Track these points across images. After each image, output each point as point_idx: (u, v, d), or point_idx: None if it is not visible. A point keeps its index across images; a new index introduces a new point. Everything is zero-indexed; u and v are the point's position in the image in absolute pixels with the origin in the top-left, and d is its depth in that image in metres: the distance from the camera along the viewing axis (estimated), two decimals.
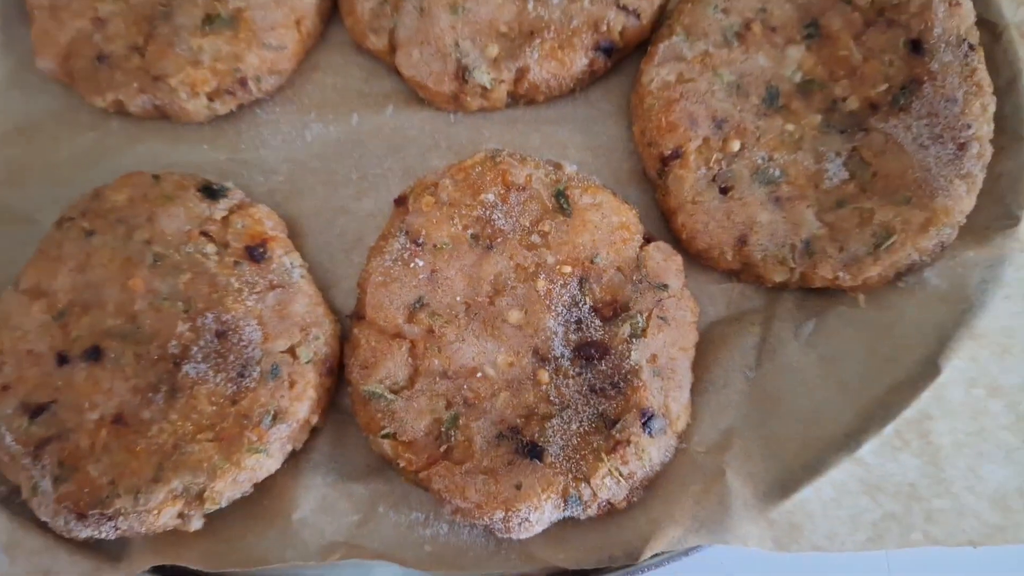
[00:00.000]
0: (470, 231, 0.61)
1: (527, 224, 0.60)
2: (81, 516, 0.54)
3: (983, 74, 0.60)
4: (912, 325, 0.59)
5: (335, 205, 0.66)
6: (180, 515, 0.55)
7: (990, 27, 0.63)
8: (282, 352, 0.59)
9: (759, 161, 0.61)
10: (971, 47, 0.61)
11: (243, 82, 0.65)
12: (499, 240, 0.60)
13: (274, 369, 0.58)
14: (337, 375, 0.61)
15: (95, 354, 0.58)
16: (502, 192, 0.61)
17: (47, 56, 0.67)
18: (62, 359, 0.58)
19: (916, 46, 0.61)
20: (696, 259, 0.62)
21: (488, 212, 0.61)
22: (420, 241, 0.61)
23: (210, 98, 0.65)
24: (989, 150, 0.59)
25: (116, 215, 0.61)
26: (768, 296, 0.63)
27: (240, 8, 0.65)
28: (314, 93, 0.68)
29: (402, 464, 0.57)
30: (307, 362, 0.59)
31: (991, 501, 0.56)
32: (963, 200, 0.59)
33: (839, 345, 0.60)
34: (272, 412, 0.57)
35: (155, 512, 0.54)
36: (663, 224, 0.65)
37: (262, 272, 0.61)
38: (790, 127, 0.62)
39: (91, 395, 0.57)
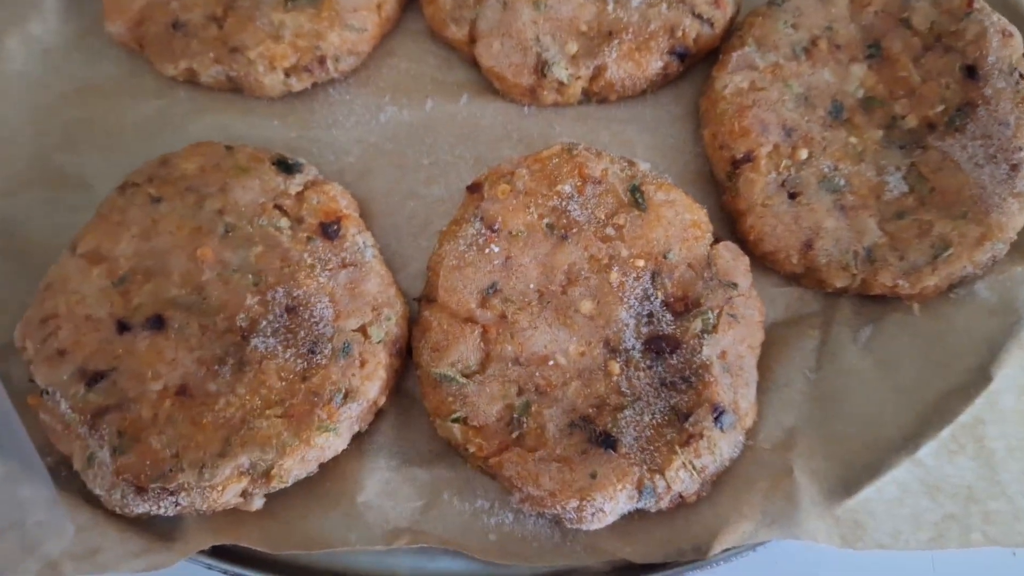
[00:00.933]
0: (546, 220, 0.61)
1: (602, 217, 0.61)
2: (140, 490, 0.52)
3: None
4: (964, 334, 0.61)
5: (405, 188, 0.66)
6: (243, 493, 0.53)
7: None
8: (353, 331, 0.58)
9: (825, 170, 0.63)
10: (1022, 76, 0.64)
11: (322, 60, 0.65)
12: (574, 231, 0.60)
13: (346, 347, 0.57)
14: (405, 357, 0.60)
15: (158, 323, 0.56)
16: (579, 184, 0.61)
17: (118, 20, 0.66)
18: (123, 326, 0.56)
19: (971, 72, 0.64)
20: (761, 261, 0.64)
21: (564, 203, 0.61)
22: (496, 227, 0.61)
23: (287, 74, 0.65)
24: None
25: (186, 183, 0.60)
26: (826, 301, 0.64)
27: None
28: (389, 77, 0.68)
29: (472, 449, 0.56)
30: (378, 342, 0.58)
31: None
32: (1016, 217, 0.61)
33: (895, 351, 0.61)
34: (343, 390, 0.56)
35: (219, 488, 0.52)
36: (726, 227, 0.66)
37: (335, 249, 0.60)
38: (853, 140, 0.64)
39: (154, 364, 0.55)
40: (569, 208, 0.61)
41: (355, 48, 0.66)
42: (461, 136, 0.67)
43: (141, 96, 0.67)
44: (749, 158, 0.63)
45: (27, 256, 0.63)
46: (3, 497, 0.49)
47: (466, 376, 0.57)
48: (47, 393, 0.54)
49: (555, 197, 0.61)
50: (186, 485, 0.52)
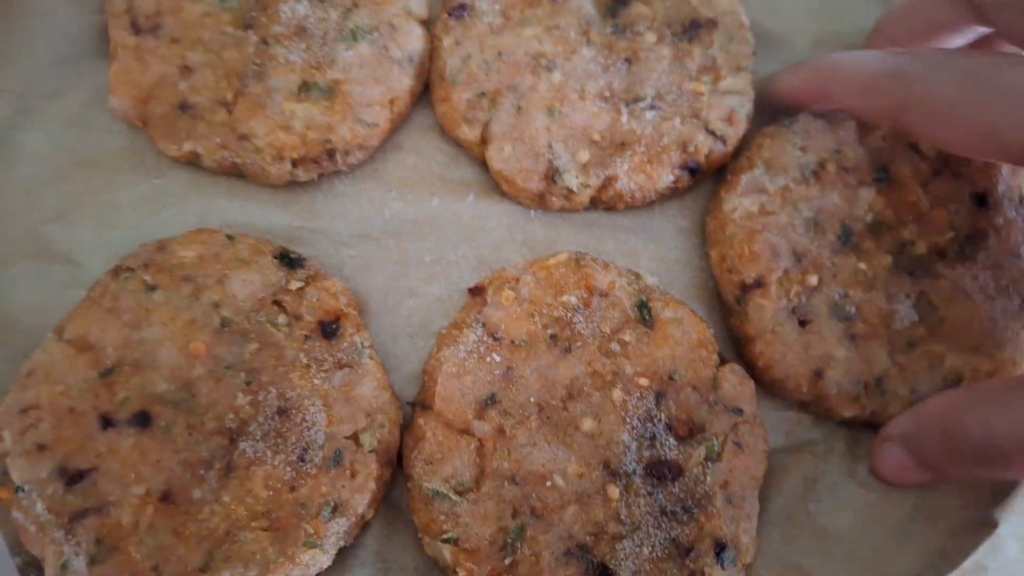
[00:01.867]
0: (549, 331, 0.60)
1: (607, 331, 0.60)
2: None
3: None
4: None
5: (404, 286, 0.65)
6: None
7: None
8: (346, 438, 0.56)
9: (836, 297, 0.63)
10: None
11: (331, 153, 0.64)
12: (578, 344, 0.60)
13: (337, 456, 0.55)
14: (395, 466, 0.59)
15: (143, 420, 0.54)
16: (585, 296, 0.61)
17: (124, 96, 0.64)
18: (107, 422, 0.54)
19: (981, 200, 0.65)
20: (768, 388, 0.63)
21: (569, 314, 0.60)
22: (498, 336, 0.60)
23: (294, 164, 0.64)
24: None
25: (183, 272, 0.58)
26: (826, 429, 0.64)
27: (339, 80, 0.64)
28: (395, 172, 0.68)
29: (461, 574, 0.54)
30: (370, 451, 0.56)
31: None
32: None
33: (895, 489, 0.61)
34: (332, 504, 0.53)
35: None
36: (731, 347, 0.66)
37: (332, 350, 0.58)
38: (863, 266, 0.64)
39: (137, 466, 0.53)
40: (574, 320, 0.60)
41: (365, 142, 0.65)
42: (465, 236, 0.66)
43: (140, 174, 0.66)
44: (760, 284, 0.63)
45: (9, 333, 0.60)
46: None
47: (459, 493, 0.56)
48: (22, 490, 0.51)
49: (560, 308, 0.61)
50: None
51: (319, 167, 0.65)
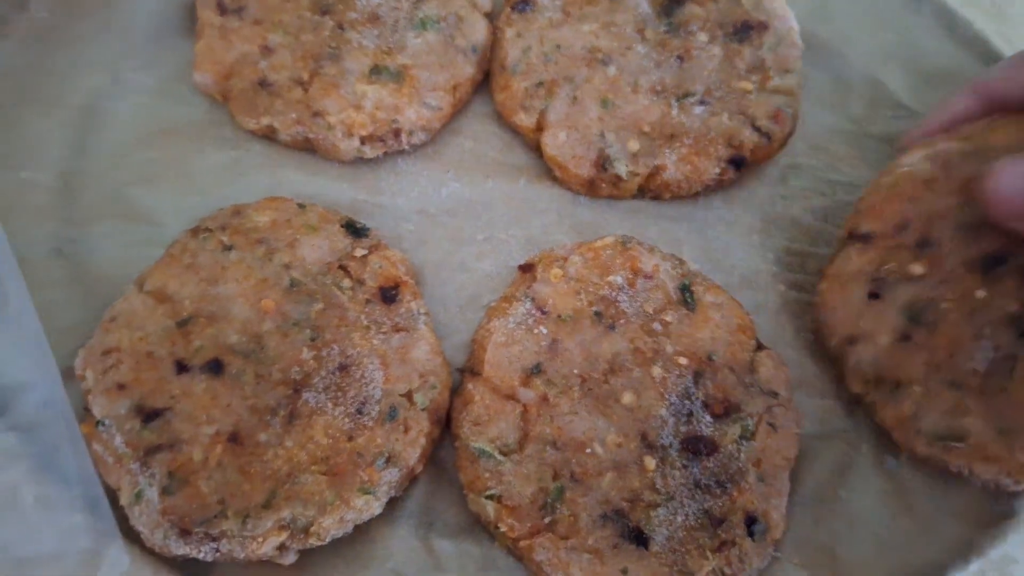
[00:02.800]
0: (594, 308, 0.63)
1: (650, 311, 0.63)
2: (184, 532, 0.53)
3: None
4: None
5: (456, 261, 0.69)
6: (280, 546, 0.54)
7: None
8: (400, 395, 0.59)
9: (923, 298, 0.60)
10: None
11: (397, 133, 0.68)
12: (621, 322, 0.63)
13: (392, 411, 0.58)
14: (443, 426, 0.62)
15: (216, 367, 0.58)
16: (630, 277, 0.64)
17: (207, 71, 0.69)
18: (181, 367, 0.58)
19: None
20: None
21: (614, 293, 0.63)
22: (545, 310, 0.63)
23: (362, 141, 0.68)
24: None
25: (258, 235, 0.63)
26: (856, 419, 0.66)
27: (407, 65, 0.69)
28: (453, 155, 0.72)
29: (503, 528, 0.57)
30: (422, 409, 0.59)
31: None
32: None
33: (921, 482, 0.62)
34: (386, 455, 0.57)
35: (259, 539, 0.53)
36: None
37: (390, 314, 0.62)
38: (982, 294, 0.59)
39: (208, 408, 0.57)
40: (618, 299, 0.63)
41: (428, 125, 0.69)
42: (516, 217, 0.70)
43: (219, 145, 0.70)
44: (867, 238, 0.62)
45: (93, 284, 0.65)
46: (63, 524, 0.50)
47: (503, 454, 0.59)
48: (102, 424, 0.56)
49: (606, 287, 0.64)
50: (228, 533, 0.53)
51: (384, 145, 0.69)
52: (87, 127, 0.70)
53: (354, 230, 0.64)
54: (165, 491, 0.54)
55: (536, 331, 0.62)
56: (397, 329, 0.62)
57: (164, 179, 0.69)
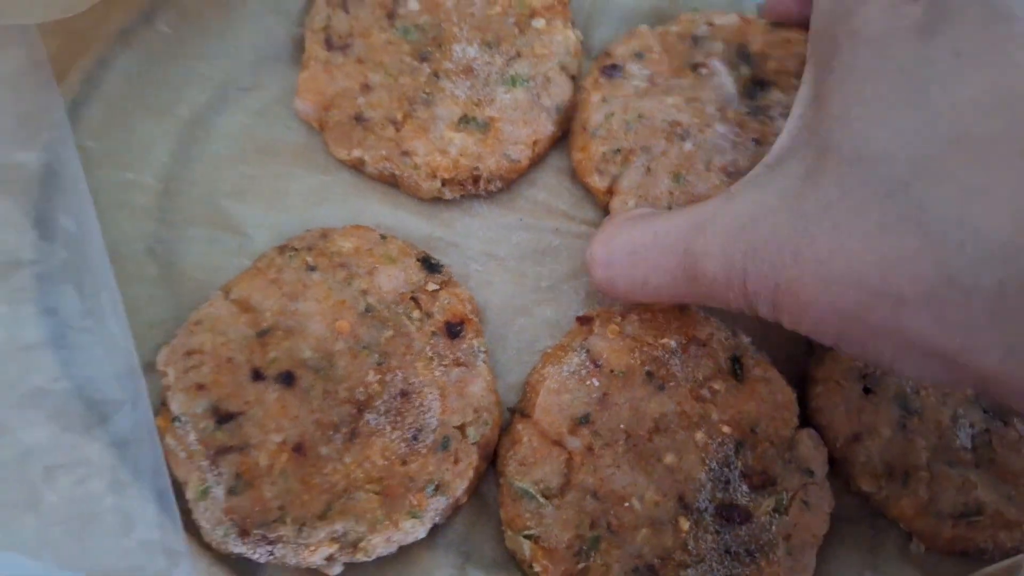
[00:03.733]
0: (646, 368, 0.66)
1: (699, 378, 0.66)
2: (244, 532, 0.56)
3: None
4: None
5: (518, 304, 0.72)
6: (330, 557, 0.57)
7: None
8: (454, 427, 0.63)
9: (908, 389, 0.66)
10: None
11: (476, 179, 0.72)
12: (671, 384, 0.66)
13: (445, 441, 0.62)
14: (489, 462, 0.65)
15: (288, 379, 0.62)
16: (683, 342, 0.67)
17: (308, 100, 0.74)
18: (257, 375, 0.62)
19: None
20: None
21: (667, 356, 0.66)
22: (599, 363, 0.66)
23: (443, 183, 0.72)
24: None
25: (340, 259, 0.67)
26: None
27: (493, 118, 0.73)
28: (526, 204, 0.76)
29: (537, 569, 0.60)
30: (473, 443, 0.63)
31: None
32: None
33: (950, 564, 0.64)
34: (436, 482, 0.60)
35: (312, 548, 0.56)
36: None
37: (453, 348, 0.66)
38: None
39: (278, 417, 0.60)
40: (671, 362, 0.66)
41: (507, 174, 0.73)
42: (579, 270, 0.74)
43: (310, 169, 0.75)
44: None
45: (178, 285, 0.69)
46: (140, 540, 0.53)
47: (545, 497, 0.62)
48: (178, 420, 0.60)
49: (660, 349, 0.67)
50: (284, 538, 0.56)
51: (463, 189, 0.73)
52: (192, 138, 0.75)
53: (429, 265, 0.68)
54: (231, 491, 0.57)
55: (588, 382, 0.65)
56: (457, 363, 0.65)
57: (256, 194, 0.74)
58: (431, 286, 0.67)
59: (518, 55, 0.76)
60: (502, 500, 0.62)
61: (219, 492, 0.57)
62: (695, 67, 0.76)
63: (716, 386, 0.66)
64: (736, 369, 0.66)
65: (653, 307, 0.68)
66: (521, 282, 0.73)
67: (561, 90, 0.76)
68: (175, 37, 0.79)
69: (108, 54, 0.77)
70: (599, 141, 0.74)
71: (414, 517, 0.59)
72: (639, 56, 0.77)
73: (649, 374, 0.66)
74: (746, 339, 0.69)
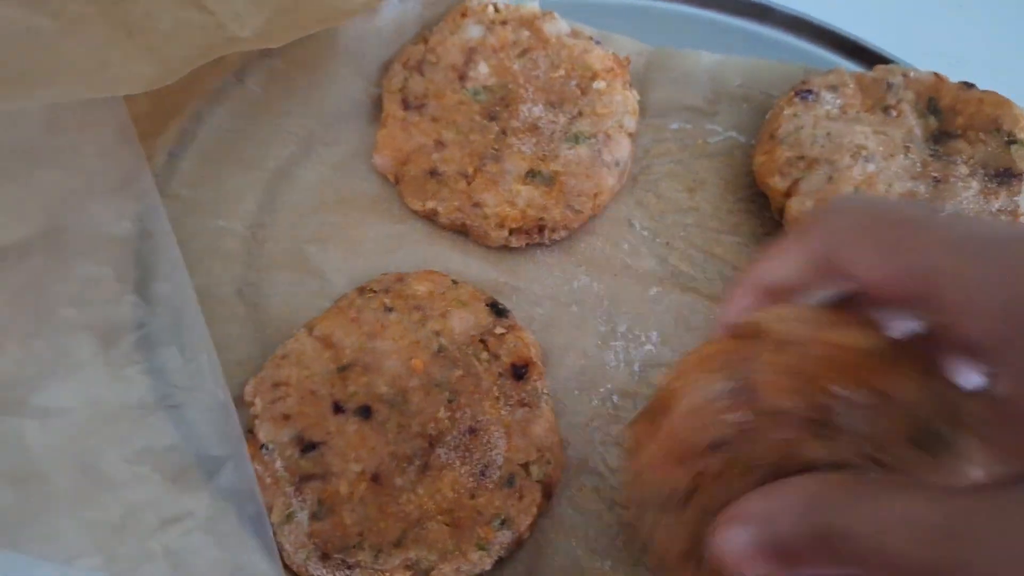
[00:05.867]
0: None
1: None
2: (325, 556, 0.60)
3: None
4: None
5: (580, 348, 0.76)
6: None
7: None
8: (519, 464, 0.66)
9: None
10: None
11: (541, 229, 0.77)
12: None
13: (510, 478, 0.65)
14: (550, 500, 0.68)
15: (366, 412, 0.66)
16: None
17: (386, 155, 0.81)
18: (337, 408, 0.66)
19: None
20: None
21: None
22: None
23: (510, 232, 0.77)
24: None
25: (415, 302, 0.72)
26: None
27: (558, 172, 0.78)
28: (587, 252, 0.80)
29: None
30: (536, 480, 0.66)
31: None
32: None
33: None
34: (502, 517, 0.63)
35: (387, 574, 0.59)
36: None
37: (518, 389, 0.69)
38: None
39: (357, 448, 0.64)
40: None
41: (570, 224, 0.78)
42: (639, 316, 0.77)
43: (386, 218, 0.81)
44: None
45: (264, 325, 0.75)
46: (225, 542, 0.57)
47: None
48: (265, 448, 0.64)
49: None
50: (362, 563, 0.59)
51: (529, 238, 0.78)
52: (277, 188, 0.82)
53: (497, 310, 0.72)
54: (314, 516, 0.61)
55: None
56: (522, 404, 0.69)
57: (336, 241, 0.80)
58: (499, 330, 0.71)
59: (580, 114, 0.82)
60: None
61: (303, 517, 0.61)
62: (886, 108, 0.80)
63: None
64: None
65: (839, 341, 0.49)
66: (582, 327, 0.77)
67: (620, 147, 0.81)
68: (264, 95, 0.87)
69: (203, 110, 0.85)
70: (785, 147, 0.78)
71: (481, 549, 0.62)
72: (834, 88, 0.81)
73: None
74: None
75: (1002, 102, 0.78)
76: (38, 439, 0.60)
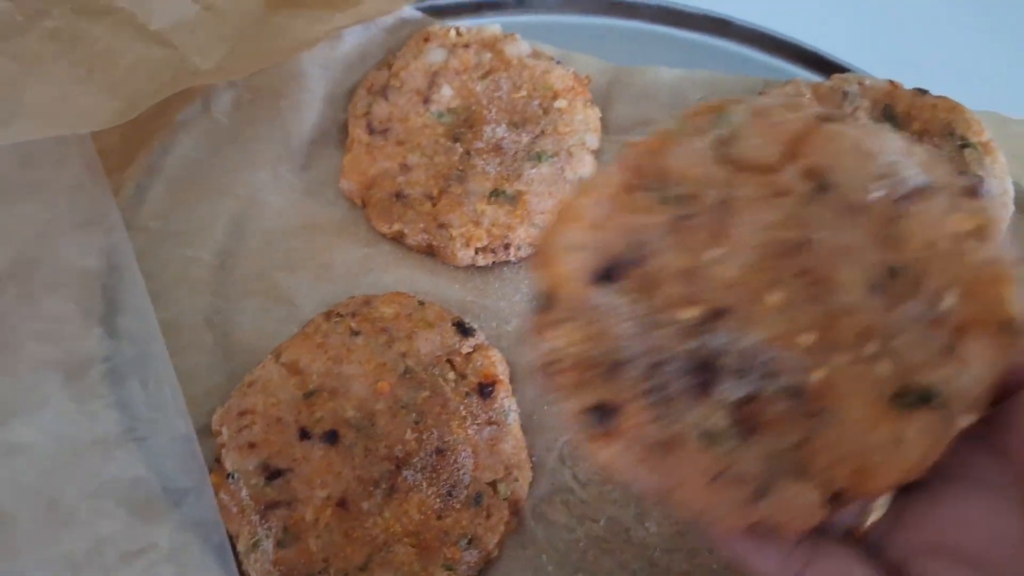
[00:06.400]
0: None
1: None
2: None
3: None
4: None
5: None
6: None
7: None
8: (487, 483, 0.66)
9: None
10: None
11: (507, 247, 0.78)
12: None
13: (478, 497, 0.65)
14: (519, 517, 0.68)
15: (333, 437, 0.66)
16: None
17: (352, 180, 0.81)
18: (304, 434, 0.67)
19: None
20: None
21: None
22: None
23: (477, 251, 0.78)
24: None
25: (382, 324, 0.72)
26: None
27: (521, 191, 0.79)
28: None
29: None
30: (504, 499, 0.66)
31: None
32: None
33: None
34: (469, 536, 0.63)
35: None
36: None
37: (485, 408, 0.70)
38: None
39: (323, 474, 0.65)
40: None
41: (534, 241, 0.79)
42: None
43: (353, 242, 0.81)
44: None
45: (233, 353, 0.75)
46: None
47: None
48: (231, 477, 0.64)
49: None
50: None
51: (495, 256, 0.79)
52: (245, 216, 0.83)
53: (463, 329, 0.73)
54: (279, 544, 0.61)
55: None
56: (490, 422, 0.69)
57: (304, 266, 0.80)
58: (465, 349, 0.72)
59: (543, 133, 0.83)
60: None
61: (268, 545, 0.61)
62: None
63: None
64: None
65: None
66: None
67: (583, 163, 0.82)
68: (230, 124, 0.87)
69: (169, 141, 0.86)
70: None
71: (448, 569, 0.62)
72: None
73: None
74: None
75: (954, 107, 0.79)
76: (3, 476, 0.60)
